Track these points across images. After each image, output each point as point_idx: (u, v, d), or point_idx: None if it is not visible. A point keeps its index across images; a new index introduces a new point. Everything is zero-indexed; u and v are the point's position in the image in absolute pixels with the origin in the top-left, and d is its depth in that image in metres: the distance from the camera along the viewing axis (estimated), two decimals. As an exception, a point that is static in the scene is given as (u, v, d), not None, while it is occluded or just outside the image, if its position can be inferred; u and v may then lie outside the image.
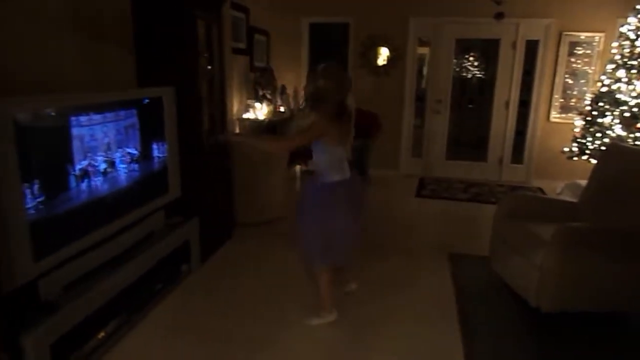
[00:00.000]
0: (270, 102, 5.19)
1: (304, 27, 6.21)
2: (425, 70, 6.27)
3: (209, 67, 3.42)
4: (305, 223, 2.54)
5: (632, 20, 4.76)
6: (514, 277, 2.87)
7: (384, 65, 6.05)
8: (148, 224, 2.79)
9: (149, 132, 2.73)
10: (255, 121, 4.93)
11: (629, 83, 4.70)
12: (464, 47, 6.16)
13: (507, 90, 5.97)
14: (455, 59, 6.12)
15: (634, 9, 4.75)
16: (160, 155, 2.86)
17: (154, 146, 2.80)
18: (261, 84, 5.13)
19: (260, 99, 5.06)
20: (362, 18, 6.01)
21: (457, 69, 6.21)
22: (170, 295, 2.90)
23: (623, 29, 4.84)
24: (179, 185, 3.04)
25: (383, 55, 6.04)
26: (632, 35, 4.76)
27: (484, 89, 6.24)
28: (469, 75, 6.28)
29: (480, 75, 6.27)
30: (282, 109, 5.41)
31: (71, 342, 2.10)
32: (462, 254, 3.67)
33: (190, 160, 3.16)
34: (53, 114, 2.05)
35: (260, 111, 5.03)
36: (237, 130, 4.80)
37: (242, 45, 5.01)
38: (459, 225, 4.55)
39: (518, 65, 5.87)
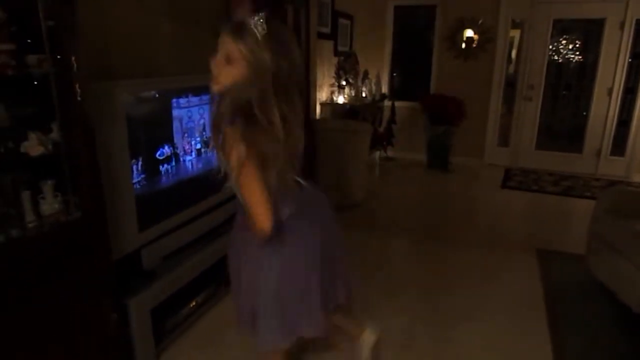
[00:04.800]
0: (353, 86, 5.18)
1: (388, 10, 6.08)
2: (514, 54, 5.89)
3: (296, 51, 3.47)
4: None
5: None
6: (615, 280, 2.65)
7: (471, 48, 5.77)
8: (228, 207, 2.91)
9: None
10: (337, 105, 4.95)
11: None
12: (561, 28, 5.69)
13: (611, 76, 5.44)
14: (550, 41, 5.67)
15: None
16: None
17: (244, 128, 2.89)
18: (344, 69, 5.13)
19: (342, 84, 5.06)
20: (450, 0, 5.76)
21: (551, 53, 5.76)
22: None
23: None
24: (264, 167, 3.14)
25: (472, 38, 5.75)
26: None
27: (583, 74, 5.74)
28: (565, 59, 5.80)
29: (578, 59, 5.76)
30: (364, 93, 5.38)
31: (168, 309, 2.27)
32: (552, 250, 3.45)
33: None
34: (157, 96, 2.19)
35: (342, 96, 5.04)
36: (318, 115, 4.85)
37: (326, 30, 5.02)
38: (548, 220, 4.27)
39: (625, 48, 5.32)
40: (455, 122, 5.55)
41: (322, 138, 3.98)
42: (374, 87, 5.58)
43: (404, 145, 6.16)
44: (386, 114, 6.00)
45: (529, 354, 2.29)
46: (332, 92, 5.04)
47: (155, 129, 2.20)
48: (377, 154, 5.98)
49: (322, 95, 4.96)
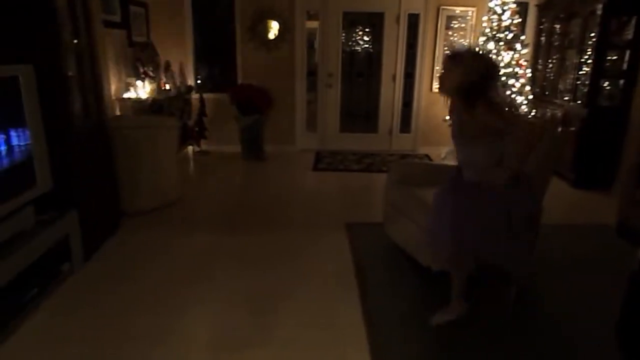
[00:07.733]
0: (154, 79, 4.86)
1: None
2: (316, 44, 6.27)
3: (75, 41, 3.06)
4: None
5: (498, -5, 5.18)
6: (405, 240, 3.03)
7: (274, 39, 5.93)
8: (14, 222, 2.45)
9: (4, 117, 2.38)
10: (138, 100, 4.58)
11: (497, 54, 5.13)
12: (351, 20, 6.25)
13: (393, 63, 6.21)
14: (344, 32, 6.19)
15: (500, -15, 5.16)
16: (22, 143, 2.51)
17: (13, 134, 2.44)
18: (142, 60, 4.77)
19: (141, 77, 4.70)
20: (248, -10, 5.80)
21: (348, 43, 6.30)
22: (50, 300, 2.61)
23: (491, 4, 5.25)
24: (49, 176, 2.71)
25: (274, 29, 5.90)
26: (498, 10, 5.18)
27: (373, 62, 6.42)
28: (359, 49, 6.41)
29: (368, 49, 6.42)
30: (167, 86, 5.09)
31: None
32: (359, 222, 3.79)
33: (61, 148, 2.83)
34: None
35: (142, 90, 4.68)
36: (118, 112, 4.43)
37: (116, 18, 4.59)
38: (355, 196, 4.69)
39: (402, 38, 6.11)
40: (264, 111, 5.67)
41: (121, 137, 3.63)
42: (178, 79, 5.33)
43: (218, 137, 6.06)
44: (195, 107, 5.80)
45: (344, 321, 2.47)
46: (131, 86, 4.64)
47: None
48: (191, 148, 5.76)
49: (118, 90, 4.52)
